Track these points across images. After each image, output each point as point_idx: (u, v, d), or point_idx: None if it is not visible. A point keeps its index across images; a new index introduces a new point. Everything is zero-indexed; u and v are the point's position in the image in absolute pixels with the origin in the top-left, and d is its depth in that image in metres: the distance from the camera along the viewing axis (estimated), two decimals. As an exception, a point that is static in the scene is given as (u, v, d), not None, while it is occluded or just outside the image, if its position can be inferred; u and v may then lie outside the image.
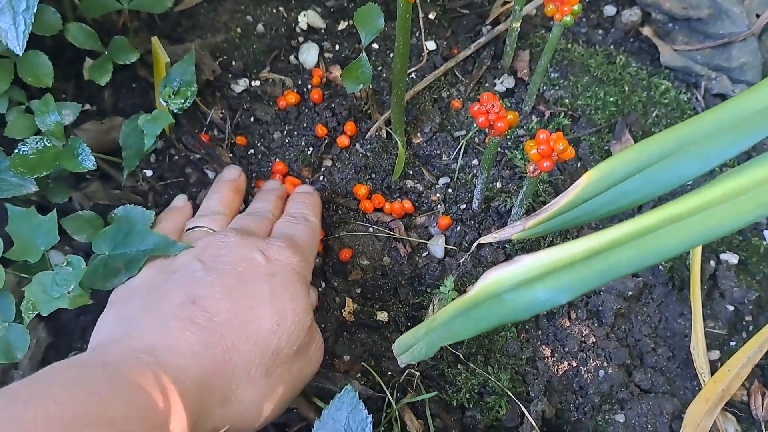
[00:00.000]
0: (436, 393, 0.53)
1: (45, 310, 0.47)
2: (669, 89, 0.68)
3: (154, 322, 0.44)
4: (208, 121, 0.64)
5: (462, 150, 0.63)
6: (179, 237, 0.53)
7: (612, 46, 0.71)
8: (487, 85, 0.67)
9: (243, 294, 0.45)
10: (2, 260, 0.49)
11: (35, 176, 0.51)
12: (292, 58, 0.68)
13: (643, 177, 0.38)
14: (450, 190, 0.61)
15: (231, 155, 0.63)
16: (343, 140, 0.63)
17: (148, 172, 0.62)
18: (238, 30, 0.68)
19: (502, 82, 0.67)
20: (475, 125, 0.59)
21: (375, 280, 0.58)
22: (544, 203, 0.58)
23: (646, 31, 0.71)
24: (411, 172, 0.63)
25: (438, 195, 0.61)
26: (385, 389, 0.53)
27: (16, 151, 0.52)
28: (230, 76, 0.66)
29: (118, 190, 0.60)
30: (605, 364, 0.55)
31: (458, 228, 0.59)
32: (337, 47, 0.69)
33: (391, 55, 0.68)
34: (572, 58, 0.68)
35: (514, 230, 0.46)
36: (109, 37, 0.60)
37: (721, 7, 0.67)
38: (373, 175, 0.62)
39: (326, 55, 0.69)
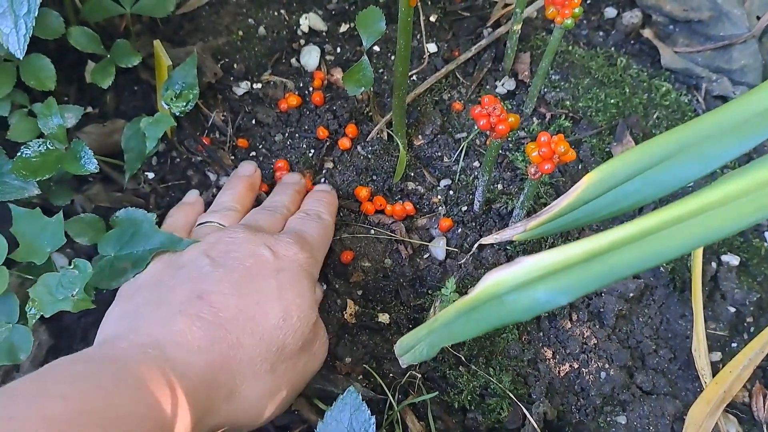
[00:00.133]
0: (437, 394, 0.53)
1: (49, 311, 0.47)
2: (670, 91, 0.68)
3: (160, 317, 0.44)
4: (209, 123, 0.64)
5: (463, 152, 0.63)
6: (189, 232, 0.53)
7: (613, 48, 0.71)
8: (488, 87, 0.67)
9: (250, 290, 0.46)
10: (6, 261, 0.49)
11: (38, 179, 0.51)
12: (293, 60, 0.69)
13: (644, 179, 0.38)
14: (451, 192, 0.62)
15: (232, 158, 0.63)
16: (344, 142, 0.63)
17: (150, 175, 0.62)
18: (240, 33, 0.68)
19: (503, 85, 0.67)
20: (476, 127, 0.59)
21: (376, 282, 0.58)
22: (545, 205, 0.58)
23: (647, 33, 0.71)
24: (412, 174, 0.63)
25: (439, 197, 0.61)
26: (387, 391, 0.53)
27: (18, 154, 0.52)
28: (232, 78, 0.67)
29: (120, 192, 0.61)
30: (607, 365, 0.55)
31: (459, 230, 0.59)
32: (338, 50, 0.69)
33: (393, 57, 0.68)
34: (573, 60, 0.68)
35: (515, 231, 0.46)
36: (112, 41, 0.60)
37: (721, 9, 0.67)
38: (374, 177, 0.62)
39: (328, 57, 0.69)
